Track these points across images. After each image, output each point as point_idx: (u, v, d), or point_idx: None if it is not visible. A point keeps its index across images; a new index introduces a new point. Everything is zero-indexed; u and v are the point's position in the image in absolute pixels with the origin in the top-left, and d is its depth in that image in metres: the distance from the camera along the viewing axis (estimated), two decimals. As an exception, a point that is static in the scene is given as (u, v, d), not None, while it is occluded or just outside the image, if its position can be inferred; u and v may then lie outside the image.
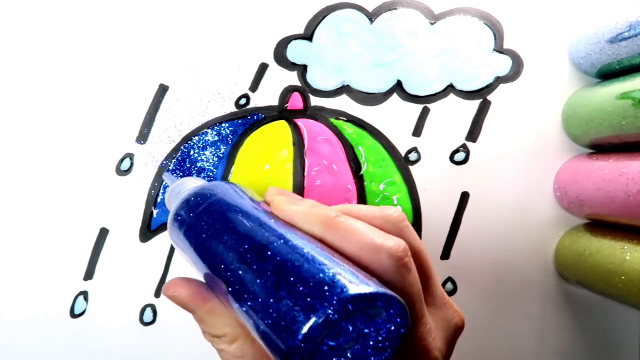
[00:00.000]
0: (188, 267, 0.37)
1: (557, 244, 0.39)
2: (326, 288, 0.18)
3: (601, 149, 0.37)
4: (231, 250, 0.22)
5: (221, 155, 0.37)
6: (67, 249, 0.36)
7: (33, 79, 0.36)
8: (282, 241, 0.21)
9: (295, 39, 0.37)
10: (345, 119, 0.38)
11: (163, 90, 0.37)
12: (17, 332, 0.36)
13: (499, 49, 0.38)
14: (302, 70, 0.37)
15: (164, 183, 0.37)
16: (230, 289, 0.21)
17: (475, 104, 0.38)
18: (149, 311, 0.37)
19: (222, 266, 0.22)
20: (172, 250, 0.37)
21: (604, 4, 0.36)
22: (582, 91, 0.37)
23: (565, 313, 0.39)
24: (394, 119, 0.38)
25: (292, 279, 0.19)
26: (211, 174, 0.37)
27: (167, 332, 0.37)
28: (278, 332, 0.18)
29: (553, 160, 0.39)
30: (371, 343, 0.18)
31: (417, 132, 0.38)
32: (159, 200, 0.37)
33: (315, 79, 0.37)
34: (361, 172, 0.38)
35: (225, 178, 0.37)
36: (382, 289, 0.18)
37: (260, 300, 0.19)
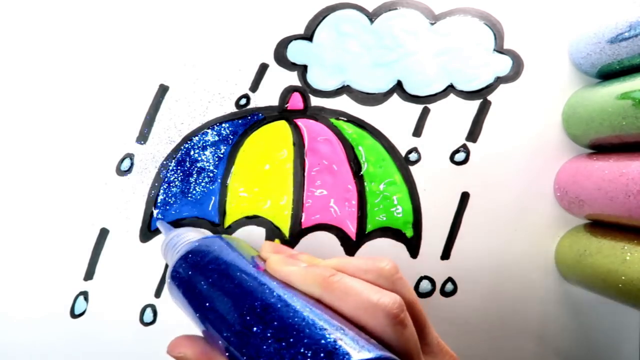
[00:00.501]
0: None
1: (557, 244, 0.39)
2: (329, 354, 0.18)
3: (601, 149, 0.37)
4: (231, 312, 0.22)
5: (221, 155, 0.37)
6: (67, 249, 0.36)
7: (33, 79, 0.36)
8: (282, 304, 0.21)
9: (295, 39, 0.37)
10: (345, 119, 0.38)
11: (163, 90, 0.37)
12: (17, 331, 0.36)
13: (499, 49, 0.38)
14: (302, 70, 0.37)
15: (164, 183, 0.37)
16: (232, 352, 0.21)
17: (475, 104, 0.38)
18: (149, 311, 0.37)
19: (223, 328, 0.22)
20: (172, 250, 0.37)
21: (604, 4, 0.36)
22: (582, 91, 0.37)
23: (565, 313, 0.39)
24: (394, 119, 0.38)
25: (294, 344, 0.19)
26: (211, 174, 0.37)
27: (167, 332, 0.37)
28: None
29: (553, 160, 0.39)
30: None
31: (417, 132, 0.38)
32: (159, 200, 0.37)
33: (315, 79, 0.37)
34: (361, 172, 0.38)
35: (225, 178, 0.37)
36: (381, 353, 0.19)
37: None
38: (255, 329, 0.21)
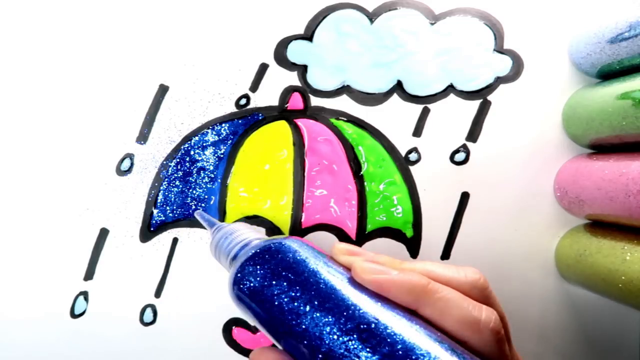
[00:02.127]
0: (188, 268, 0.37)
1: (557, 244, 0.39)
2: None
3: (601, 149, 0.37)
4: (324, 332, 0.20)
5: (221, 155, 0.37)
6: (67, 249, 0.36)
7: (33, 79, 0.36)
8: (383, 323, 0.20)
9: (295, 39, 0.37)
10: (345, 119, 0.38)
11: (163, 90, 0.37)
12: (17, 331, 0.36)
13: (499, 49, 0.38)
14: (302, 70, 0.37)
15: (164, 183, 0.37)
16: None
17: (475, 104, 0.38)
18: (149, 311, 0.37)
19: (314, 348, 0.20)
20: (172, 250, 0.37)
21: (604, 4, 0.36)
22: (582, 91, 0.37)
23: (565, 313, 0.39)
24: (394, 119, 0.38)
25: None
26: (211, 174, 0.37)
27: (167, 332, 0.37)
28: None
29: (553, 160, 0.39)
30: None
31: (417, 132, 0.38)
32: (159, 200, 0.37)
33: (315, 79, 0.37)
34: (361, 172, 0.38)
35: (225, 178, 0.37)
36: None
37: None
38: (355, 350, 0.19)
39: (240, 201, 0.37)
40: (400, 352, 0.18)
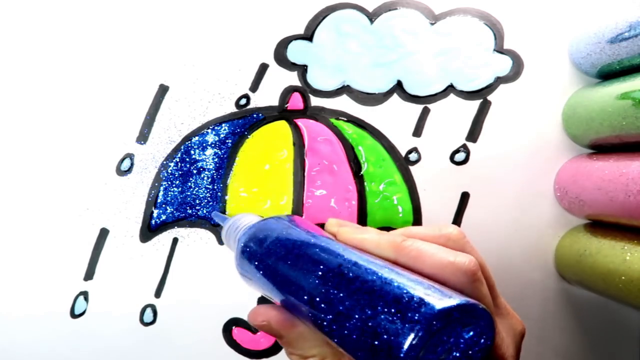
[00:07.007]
0: (189, 267, 0.37)
1: (557, 244, 0.39)
2: (421, 301, 0.18)
3: (601, 149, 0.37)
4: (314, 275, 0.22)
5: (221, 155, 0.37)
6: (67, 249, 0.36)
7: (33, 79, 0.36)
8: (364, 261, 0.22)
9: (295, 39, 0.37)
10: (345, 119, 0.38)
11: (163, 90, 0.37)
12: (17, 331, 0.36)
13: (499, 49, 0.38)
14: (302, 70, 0.37)
15: (164, 183, 0.37)
16: (319, 313, 0.21)
17: (475, 104, 0.38)
18: (149, 311, 0.37)
19: (307, 291, 0.22)
20: (172, 250, 0.37)
21: (604, 4, 0.36)
22: (582, 91, 0.37)
23: (565, 313, 0.39)
24: (394, 119, 0.38)
25: (385, 296, 0.19)
26: (211, 174, 0.37)
27: (167, 332, 0.37)
28: (377, 350, 0.18)
29: (553, 160, 0.39)
30: (463, 353, 0.18)
31: (417, 132, 0.38)
32: (159, 200, 0.37)
33: (315, 79, 0.37)
34: (361, 172, 0.38)
35: (225, 178, 0.37)
36: (472, 300, 0.19)
37: (354, 320, 0.19)
38: (344, 286, 0.21)
39: (240, 201, 0.37)
40: (375, 282, 0.20)
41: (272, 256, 0.25)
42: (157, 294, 0.37)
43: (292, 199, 0.37)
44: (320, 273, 0.22)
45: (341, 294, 0.20)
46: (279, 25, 0.37)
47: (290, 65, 0.37)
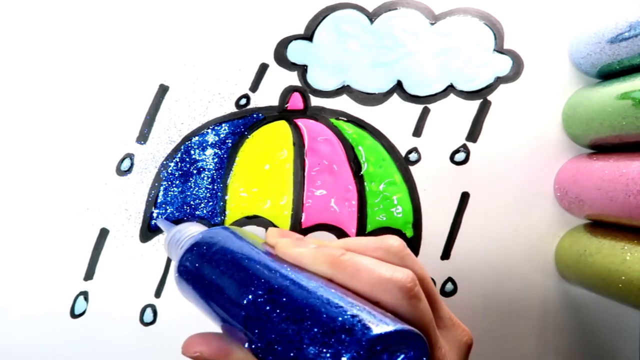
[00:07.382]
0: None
1: (557, 244, 0.39)
2: (349, 331, 0.18)
3: (601, 149, 0.37)
4: (245, 299, 0.22)
5: (221, 155, 0.37)
6: (67, 249, 0.36)
7: (33, 79, 0.36)
8: (295, 285, 0.21)
9: (295, 39, 0.37)
10: (345, 119, 0.38)
11: (163, 90, 0.37)
12: (17, 331, 0.36)
13: (499, 49, 0.38)
14: (302, 70, 0.37)
15: (164, 183, 0.37)
16: (250, 340, 0.21)
17: (475, 104, 0.38)
18: (149, 311, 0.37)
19: (238, 316, 0.22)
20: (172, 250, 0.37)
21: (604, 4, 0.36)
22: (582, 91, 0.37)
23: (565, 313, 0.39)
24: (394, 119, 0.38)
25: (312, 324, 0.19)
26: (211, 174, 0.37)
27: (167, 332, 0.37)
28: None
29: (553, 160, 0.39)
30: None
31: (417, 132, 0.38)
32: (159, 200, 0.37)
33: (315, 79, 0.37)
34: (361, 172, 0.38)
35: (225, 178, 0.37)
36: (401, 326, 0.18)
37: (282, 350, 0.19)
38: (271, 313, 0.20)
39: (241, 201, 0.37)
40: (305, 308, 0.20)
41: (205, 278, 0.25)
42: (157, 294, 0.37)
43: (292, 199, 0.37)
44: (250, 298, 0.21)
45: (269, 323, 0.20)
46: (279, 25, 0.37)
47: (290, 65, 0.37)
